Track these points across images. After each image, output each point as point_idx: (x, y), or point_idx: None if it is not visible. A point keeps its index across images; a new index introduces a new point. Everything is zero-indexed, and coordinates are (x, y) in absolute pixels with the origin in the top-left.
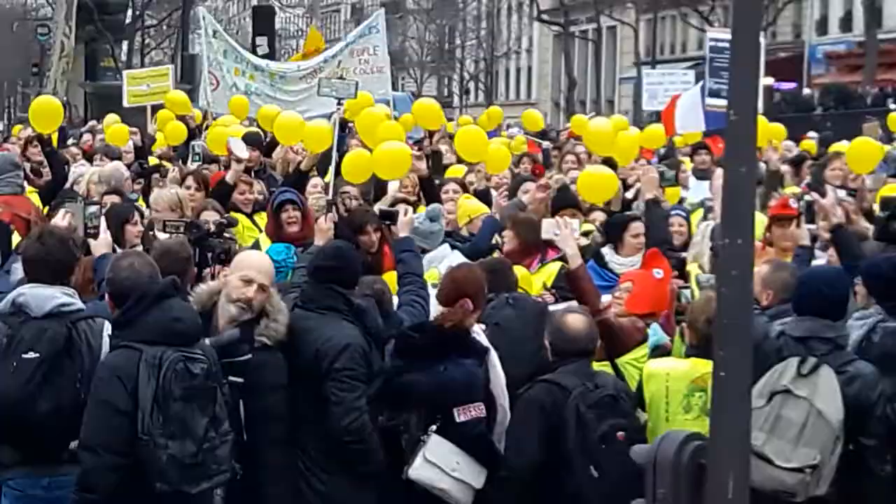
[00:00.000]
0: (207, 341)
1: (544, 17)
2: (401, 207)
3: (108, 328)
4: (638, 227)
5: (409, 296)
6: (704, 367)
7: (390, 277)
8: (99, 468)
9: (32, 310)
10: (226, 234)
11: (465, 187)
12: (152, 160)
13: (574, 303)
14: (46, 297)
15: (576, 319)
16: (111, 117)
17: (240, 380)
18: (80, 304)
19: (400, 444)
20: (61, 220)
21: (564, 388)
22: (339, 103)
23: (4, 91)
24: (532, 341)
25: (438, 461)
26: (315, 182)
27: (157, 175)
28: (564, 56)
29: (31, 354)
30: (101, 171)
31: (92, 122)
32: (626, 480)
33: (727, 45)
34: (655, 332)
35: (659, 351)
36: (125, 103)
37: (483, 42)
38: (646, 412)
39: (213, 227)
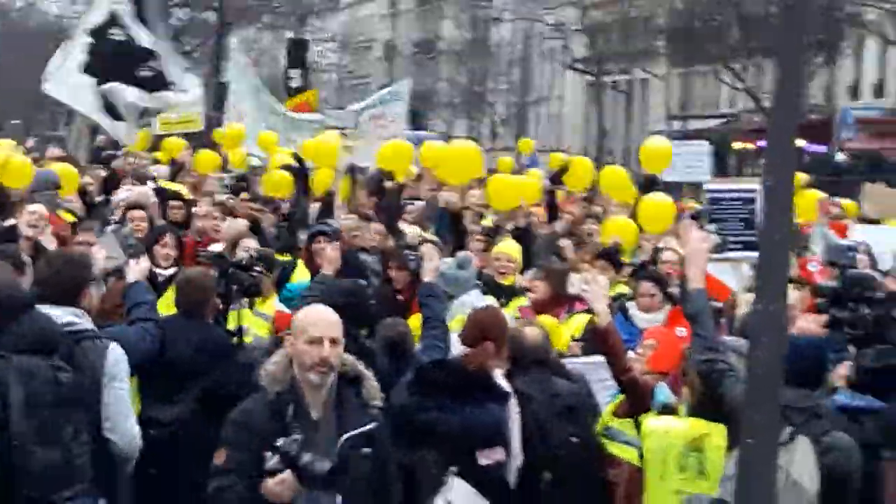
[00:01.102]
0: (346, 438)
1: (577, 65)
2: (426, 251)
3: (114, 348)
4: (646, 288)
5: (430, 340)
6: (701, 427)
7: (414, 321)
8: None
9: None
10: (256, 268)
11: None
12: (173, 185)
13: (601, 357)
14: (53, 316)
15: (533, 331)
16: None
17: (368, 450)
18: (85, 325)
19: (409, 480)
20: (97, 254)
21: (526, 396)
22: (342, 132)
23: (32, 109)
24: None
25: (459, 503)
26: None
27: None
28: (596, 105)
29: None
30: (128, 198)
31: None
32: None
33: (723, 195)
34: (662, 392)
35: (667, 410)
36: (156, 130)
37: (514, 87)
38: (643, 468)
39: (244, 260)
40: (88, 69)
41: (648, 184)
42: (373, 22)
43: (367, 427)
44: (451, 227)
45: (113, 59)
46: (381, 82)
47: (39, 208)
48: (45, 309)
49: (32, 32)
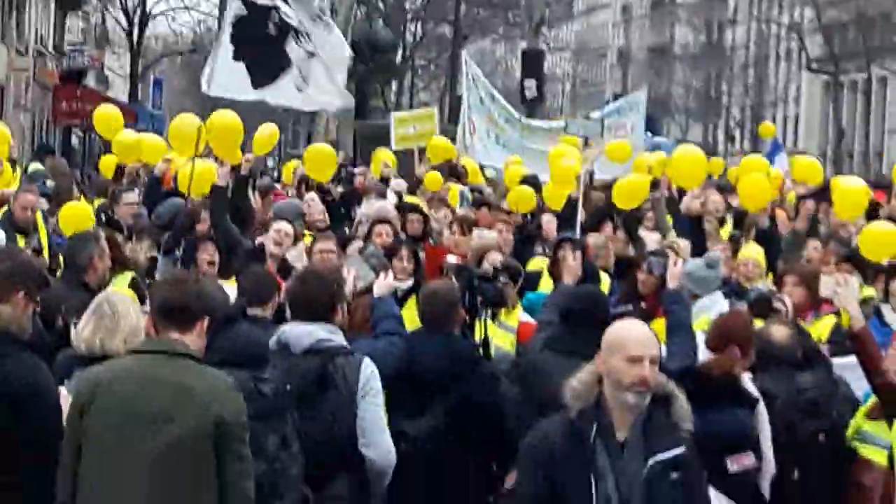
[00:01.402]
0: (654, 462)
1: (814, 66)
2: (671, 258)
3: (367, 364)
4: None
5: (679, 347)
6: None
7: (658, 325)
8: None
9: (293, 346)
10: (501, 279)
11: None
12: (412, 199)
13: (852, 358)
14: (306, 333)
15: (780, 330)
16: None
17: (677, 475)
18: (339, 341)
19: None
20: (347, 275)
21: (769, 395)
22: (585, 143)
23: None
24: None
25: None
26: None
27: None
28: (833, 106)
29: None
30: (366, 213)
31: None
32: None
33: None
34: None
35: None
36: (393, 146)
37: (750, 90)
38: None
39: (488, 271)
40: (238, 55)
41: (872, 209)
42: (606, 29)
43: (677, 451)
44: (692, 232)
45: (254, 36)
46: (615, 90)
47: (285, 226)
48: (296, 326)
49: None
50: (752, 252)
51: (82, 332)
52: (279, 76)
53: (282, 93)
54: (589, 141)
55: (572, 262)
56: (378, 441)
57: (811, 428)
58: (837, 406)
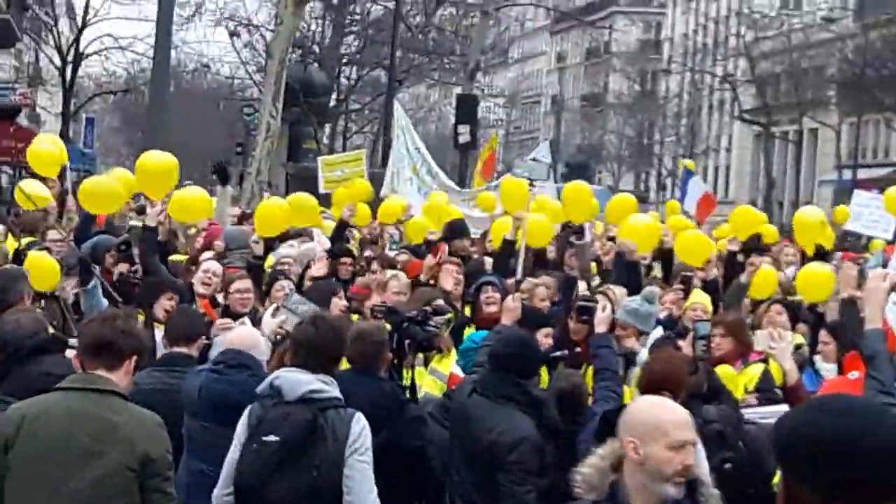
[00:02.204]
0: None
1: (746, 116)
2: (600, 302)
3: (358, 418)
4: (822, 336)
5: (604, 391)
6: None
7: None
8: None
9: (286, 394)
10: (431, 323)
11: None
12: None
13: (783, 406)
14: (301, 381)
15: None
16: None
17: None
18: (334, 393)
19: None
20: (274, 322)
21: None
22: (531, 184)
23: (208, 169)
24: None
25: None
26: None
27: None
28: (764, 156)
29: (272, 438)
30: (286, 254)
31: None
32: None
33: None
34: None
35: None
36: (321, 189)
37: (682, 139)
38: None
39: (418, 314)
40: None
41: (817, 255)
42: (540, 76)
43: None
44: (629, 278)
45: None
46: (547, 136)
47: (213, 265)
48: (292, 372)
49: (205, 94)
50: (701, 297)
51: None
52: None
53: None
54: (534, 184)
55: (511, 303)
56: (364, 499)
57: (717, 458)
58: (743, 438)
